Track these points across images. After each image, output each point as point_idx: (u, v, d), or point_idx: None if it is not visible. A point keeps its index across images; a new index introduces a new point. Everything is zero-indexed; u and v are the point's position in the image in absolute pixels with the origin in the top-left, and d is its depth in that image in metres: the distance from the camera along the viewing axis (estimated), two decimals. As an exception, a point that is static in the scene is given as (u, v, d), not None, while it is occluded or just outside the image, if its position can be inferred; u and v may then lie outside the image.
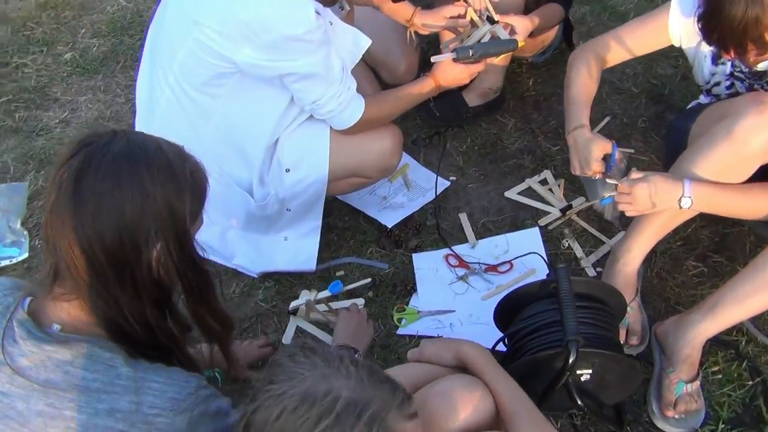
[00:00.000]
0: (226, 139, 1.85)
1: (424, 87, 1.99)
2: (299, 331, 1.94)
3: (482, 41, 2.05)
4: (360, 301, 1.98)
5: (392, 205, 2.25)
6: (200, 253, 1.18)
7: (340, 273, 2.09)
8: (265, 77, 1.72)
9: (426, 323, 1.96)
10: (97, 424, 1.02)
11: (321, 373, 0.89)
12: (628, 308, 1.85)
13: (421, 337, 1.92)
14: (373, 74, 2.52)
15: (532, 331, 1.60)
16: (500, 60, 2.44)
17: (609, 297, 1.64)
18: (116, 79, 2.81)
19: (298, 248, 2.06)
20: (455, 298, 2.02)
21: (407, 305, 2.00)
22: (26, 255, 2.16)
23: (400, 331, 1.94)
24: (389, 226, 2.17)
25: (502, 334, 1.65)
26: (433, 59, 1.97)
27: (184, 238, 1.12)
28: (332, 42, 1.76)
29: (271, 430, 0.85)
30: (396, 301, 2.02)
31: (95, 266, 1.05)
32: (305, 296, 1.96)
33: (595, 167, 1.83)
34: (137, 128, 2.01)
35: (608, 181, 1.78)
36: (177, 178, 1.11)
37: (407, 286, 2.04)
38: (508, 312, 1.70)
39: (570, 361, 1.46)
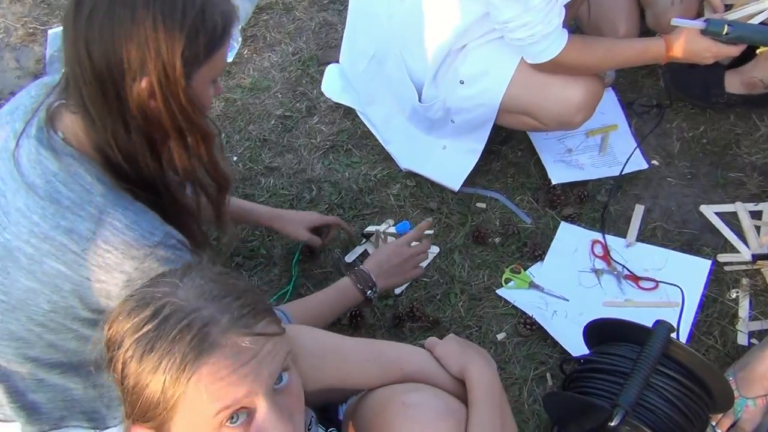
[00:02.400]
0: (413, 25, 1.73)
1: (650, 50, 1.65)
2: (363, 255, 1.86)
3: (753, 20, 1.62)
4: (435, 250, 1.84)
5: (572, 161, 2.00)
6: (198, 102, 1.11)
7: (481, 204, 1.95)
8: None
9: (530, 297, 1.79)
10: (54, 237, 1.06)
11: (173, 281, 0.88)
12: (749, 403, 1.52)
13: (515, 308, 1.77)
14: (638, 12, 2.15)
15: (601, 370, 1.40)
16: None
17: (712, 381, 1.35)
18: None
19: (451, 162, 1.94)
20: (576, 288, 1.80)
21: (524, 269, 1.83)
22: (231, 59, 2.30)
23: (499, 291, 1.80)
24: (554, 182, 1.94)
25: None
26: (674, 22, 1.61)
27: (173, 80, 1.05)
28: None
29: (111, 328, 0.86)
30: (517, 259, 1.85)
31: (87, 83, 1.06)
32: (386, 224, 1.86)
33: None
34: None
35: None
36: (175, 14, 1.03)
37: (536, 251, 1.85)
38: (599, 333, 1.50)
39: (609, 426, 1.26)
